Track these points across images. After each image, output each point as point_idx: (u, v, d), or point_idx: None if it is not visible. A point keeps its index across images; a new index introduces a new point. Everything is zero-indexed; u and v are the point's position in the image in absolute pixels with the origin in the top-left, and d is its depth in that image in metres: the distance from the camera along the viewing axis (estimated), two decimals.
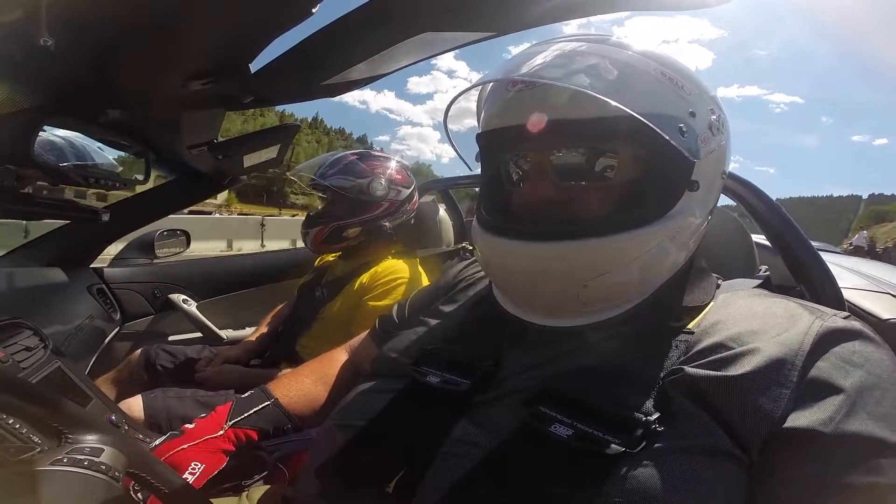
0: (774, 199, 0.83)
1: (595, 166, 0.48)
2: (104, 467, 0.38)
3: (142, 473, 0.41)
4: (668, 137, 0.43)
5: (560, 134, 0.47)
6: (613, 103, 0.42)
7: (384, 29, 0.60)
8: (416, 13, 0.58)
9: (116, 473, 0.38)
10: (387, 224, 1.30)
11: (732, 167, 0.57)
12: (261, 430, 0.65)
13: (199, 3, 0.52)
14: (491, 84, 0.53)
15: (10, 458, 0.40)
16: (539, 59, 0.47)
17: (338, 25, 0.58)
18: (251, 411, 0.65)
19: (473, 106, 0.59)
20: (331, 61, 0.67)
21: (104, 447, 0.40)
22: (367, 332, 0.80)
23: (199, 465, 0.57)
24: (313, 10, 0.54)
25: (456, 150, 0.59)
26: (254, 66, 0.70)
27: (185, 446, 0.58)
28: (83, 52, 0.62)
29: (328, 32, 0.61)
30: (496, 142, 0.54)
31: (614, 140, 0.47)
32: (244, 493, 0.66)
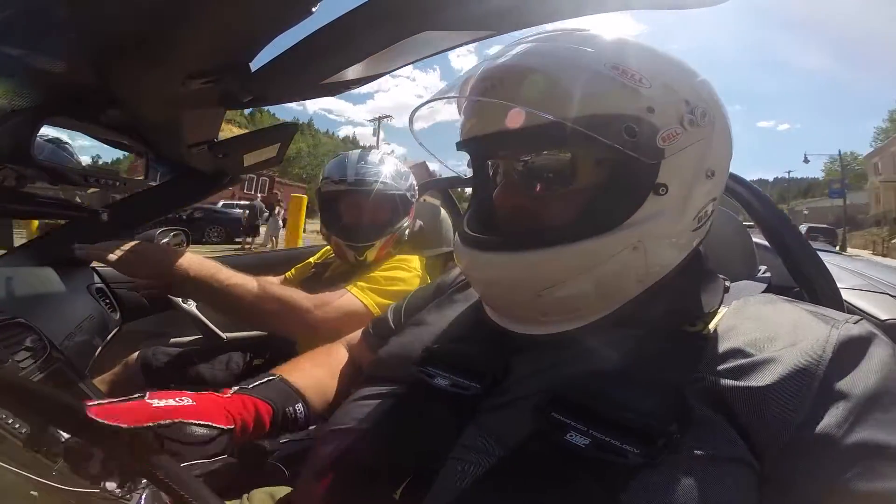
0: None
1: (554, 173, 0.47)
2: None
3: None
4: (602, 139, 0.41)
5: (511, 143, 0.47)
6: (540, 113, 0.41)
7: (383, 28, 0.61)
8: (416, 12, 0.58)
9: None
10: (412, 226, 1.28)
11: None
12: (271, 401, 0.56)
13: (199, 2, 0.52)
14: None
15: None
16: (489, 68, 0.46)
17: (337, 24, 0.59)
18: (256, 383, 0.58)
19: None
20: (331, 60, 0.68)
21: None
22: (362, 331, 0.77)
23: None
24: (313, 10, 0.54)
25: (438, 159, 0.58)
26: (254, 65, 0.70)
27: (186, 402, 0.47)
28: (83, 52, 0.62)
29: (328, 31, 0.61)
30: (467, 150, 0.54)
31: (564, 146, 0.46)
32: (245, 495, 0.66)
